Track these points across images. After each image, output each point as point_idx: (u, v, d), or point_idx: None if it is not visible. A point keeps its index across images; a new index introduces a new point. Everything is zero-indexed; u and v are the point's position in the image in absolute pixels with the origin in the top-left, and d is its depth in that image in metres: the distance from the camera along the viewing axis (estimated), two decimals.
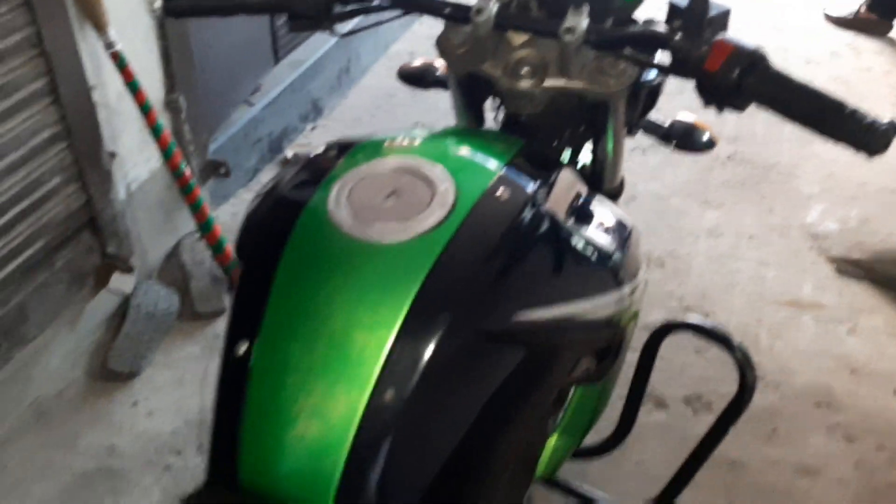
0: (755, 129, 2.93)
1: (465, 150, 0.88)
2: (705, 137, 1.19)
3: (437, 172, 0.80)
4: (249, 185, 2.60)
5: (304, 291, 0.74)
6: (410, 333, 0.71)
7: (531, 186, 0.83)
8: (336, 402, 0.70)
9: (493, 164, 0.85)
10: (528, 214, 0.79)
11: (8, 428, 1.82)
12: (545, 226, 0.80)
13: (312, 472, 0.70)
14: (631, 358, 1.27)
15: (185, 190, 2.07)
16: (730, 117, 2.95)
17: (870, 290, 2.24)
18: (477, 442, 0.75)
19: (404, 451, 0.71)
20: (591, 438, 1.44)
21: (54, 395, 1.91)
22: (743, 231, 2.47)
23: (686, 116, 1.23)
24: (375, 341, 0.70)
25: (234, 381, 0.75)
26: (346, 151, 0.87)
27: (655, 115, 1.25)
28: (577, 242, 0.83)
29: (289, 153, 2.71)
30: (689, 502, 1.72)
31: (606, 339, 0.88)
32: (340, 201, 0.79)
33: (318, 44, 2.93)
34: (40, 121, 1.70)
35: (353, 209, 0.78)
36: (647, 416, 1.91)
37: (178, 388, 1.97)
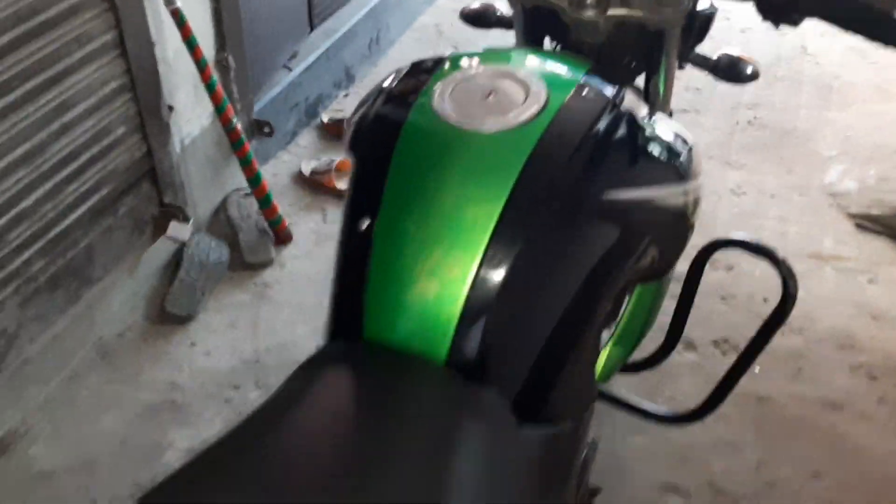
0: (774, 97, 3.03)
1: (546, 62, 0.98)
2: (749, 70, 1.28)
3: (529, 76, 0.91)
4: (288, 147, 2.70)
5: (418, 175, 0.85)
6: (515, 207, 0.81)
7: (609, 91, 0.93)
8: (451, 265, 0.80)
9: (572, 73, 0.96)
10: (610, 111, 0.89)
11: (75, 364, 1.93)
12: (625, 121, 0.90)
13: (430, 325, 0.81)
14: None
15: (236, 145, 2.17)
16: (749, 85, 3.06)
17: (889, 244, 2.34)
18: (569, 309, 0.85)
19: (509, 308, 0.82)
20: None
21: (116, 336, 2.02)
22: (764, 190, 2.57)
23: (731, 51, 1.33)
24: (485, 213, 0.81)
25: (356, 252, 0.85)
26: (440, 63, 0.97)
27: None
28: (652, 137, 0.93)
29: (324, 118, 2.81)
30: (721, 434, 1.83)
31: (674, 229, 0.98)
32: (444, 98, 0.89)
33: (350, 14, 3.03)
34: (108, 72, 1.80)
35: (456, 105, 0.88)
36: (677, 356, 2.00)
37: (232, 330, 2.08)
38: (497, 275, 0.80)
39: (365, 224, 0.85)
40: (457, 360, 0.81)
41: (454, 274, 0.80)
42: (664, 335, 1.46)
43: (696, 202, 1.00)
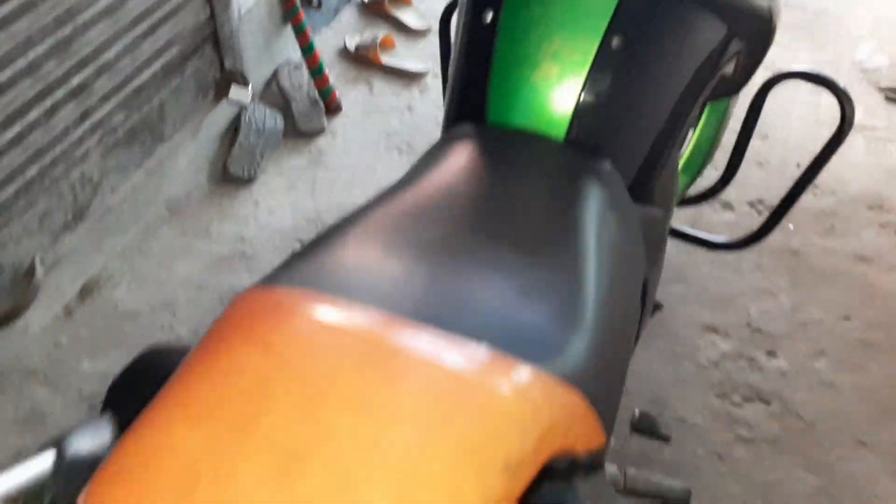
0: None
1: None
2: None
3: None
4: (331, 24, 2.75)
5: None
6: None
7: None
8: (572, 49, 0.90)
9: None
10: None
11: (147, 219, 2.04)
12: None
13: (551, 106, 0.91)
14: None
15: (291, 12, 2.24)
16: None
17: None
18: (674, 98, 0.95)
19: (624, 91, 0.91)
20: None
21: (183, 194, 2.12)
22: (798, 65, 2.63)
23: None
24: (604, 1, 0.90)
25: (480, 43, 0.95)
26: None
27: None
28: None
29: None
30: (756, 282, 1.96)
31: (759, 32, 1.07)
32: None
33: None
34: None
35: None
36: (716, 215, 2.13)
37: (292, 192, 2.18)
38: (614, 59, 0.90)
39: (489, 17, 0.94)
40: (576, 138, 0.91)
41: (575, 58, 0.90)
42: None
43: (777, 15, 1.09)
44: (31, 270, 1.65)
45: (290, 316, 0.61)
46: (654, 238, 1.02)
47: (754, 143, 2.32)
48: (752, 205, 2.16)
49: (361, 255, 0.72)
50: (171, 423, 0.55)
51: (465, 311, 0.65)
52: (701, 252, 2.03)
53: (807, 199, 2.17)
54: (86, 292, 1.88)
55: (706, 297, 1.92)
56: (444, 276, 0.70)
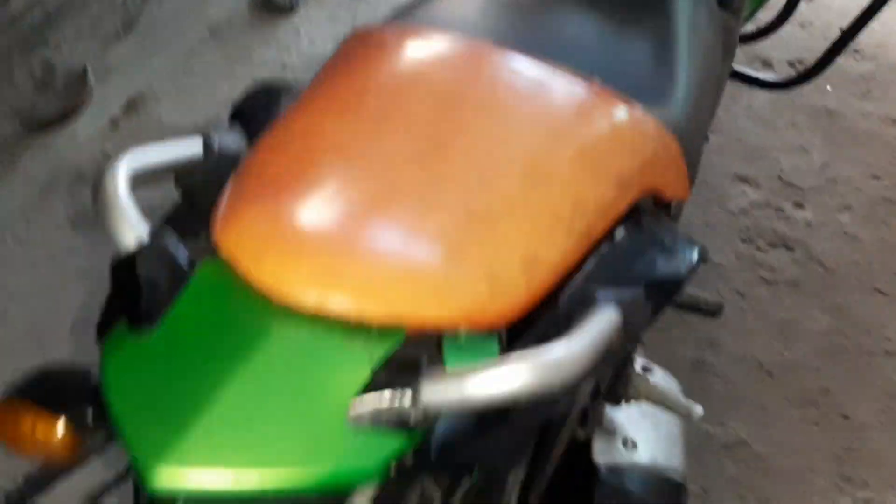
0: None
1: None
2: None
3: None
4: None
5: None
6: None
7: None
8: None
9: None
10: None
11: (191, 40, 2.05)
12: None
13: None
14: None
15: None
16: None
17: None
18: None
19: None
20: None
21: (225, 19, 2.12)
22: None
23: None
24: None
25: None
26: None
27: None
28: None
29: None
30: (790, 138, 1.99)
31: None
32: None
33: None
34: None
35: None
36: (754, 72, 2.13)
37: (334, 23, 2.18)
38: None
39: None
40: None
41: None
42: None
43: None
44: (83, 75, 1.67)
45: (416, 42, 0.65)
46: (728, 46, 1.04)
47: (799, 5, 2.31)
48: (791, 64, 2.17)
49: (472, 3, 0.75)
50: (317, 115, 0.60)
51: (578, 52, 0.69)
52: (739, 106, 2.05)
53: (846, 62, 2.17)
54: (131, 106, 1.91)
55: (740, 148, 1.96)
56: (554, 24, 0.73)
